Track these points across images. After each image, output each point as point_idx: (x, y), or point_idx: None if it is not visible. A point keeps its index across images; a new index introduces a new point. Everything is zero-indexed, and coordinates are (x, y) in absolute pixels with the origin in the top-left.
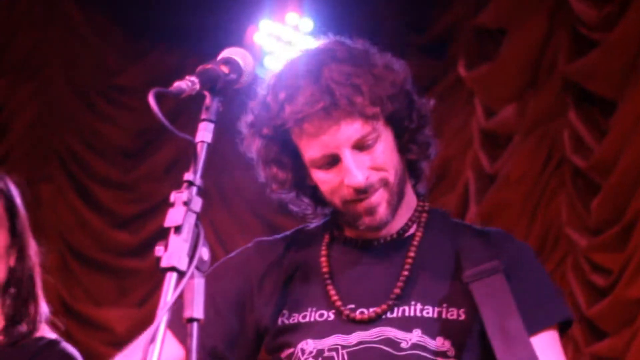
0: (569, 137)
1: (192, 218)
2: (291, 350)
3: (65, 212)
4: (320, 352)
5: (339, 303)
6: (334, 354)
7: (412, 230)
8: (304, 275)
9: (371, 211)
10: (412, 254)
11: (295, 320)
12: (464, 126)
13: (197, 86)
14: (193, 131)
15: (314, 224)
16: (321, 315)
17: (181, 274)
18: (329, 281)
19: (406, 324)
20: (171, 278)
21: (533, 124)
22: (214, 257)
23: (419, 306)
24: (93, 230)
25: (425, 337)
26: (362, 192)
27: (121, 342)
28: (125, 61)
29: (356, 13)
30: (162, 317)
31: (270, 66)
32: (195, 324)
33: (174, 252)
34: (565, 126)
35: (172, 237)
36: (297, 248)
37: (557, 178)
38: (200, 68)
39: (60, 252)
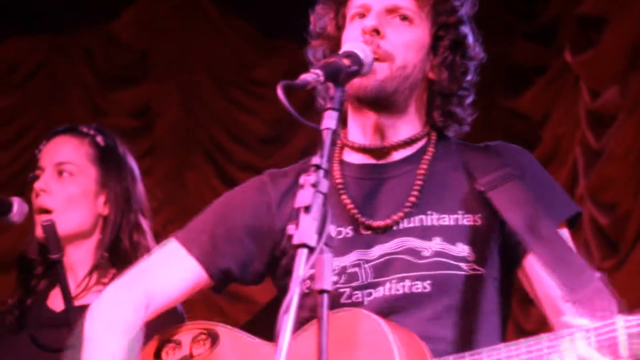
0: None
1: (319, 198)
2: (313, 271)
3: (211, 197)
4: (343, 268)
5: (354, 211)
6: (357, 269)
7: (421, 143)
8: None
9: (368, 73)
10: (424, 166)
11: None
12: (572, 107)
13: (322, 78)
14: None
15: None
16: (339, 233)
17: (311, 250)
18: (342, 191)
19: (425, 233)
20: (302, 253)
21: (635, 103)
22: None
23: (435, 215)
24: None
25: (446, 243)
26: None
27: (261, 312)
28: (261, 57)
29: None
30: (295, 289)
31: None
32: (325, 295)
33: (304, 230)
34: None
35: (303, 216)
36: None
37: None
38: (323, 61)
39: None
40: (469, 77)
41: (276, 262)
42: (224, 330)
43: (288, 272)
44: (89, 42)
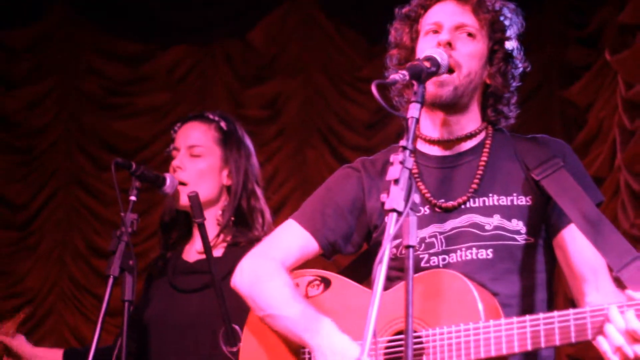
0: None
1: (406, 173)
2: (398, 240)
3: (326, 171)
4: (422, 239)
5: (428, 195)
6: (433, 239)
7: (481, 136)
8: None
9: (441, 84)
10: (485, 158)
11: None
12: (611, 97)
13: (407, 77)
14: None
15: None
16: (419, 211)
17: (399, 214)
18: (418, 178)
19: (487, 211)
20: (392, 217)
21: None
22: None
23: (495, 197)
24: None
25: (504, 220)
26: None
27: (350, 265)
28: (366, 59)
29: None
30: (387, 245)
31: None
32: (411, 250)
33: (394, 198)
34: None
35: (392, 187)
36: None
37: None
38: (409, 64)
39: None
40: (515, 83)
41: (370, 235)
42: (335, 277)
43: (379, 242)
44: (229, 48)
